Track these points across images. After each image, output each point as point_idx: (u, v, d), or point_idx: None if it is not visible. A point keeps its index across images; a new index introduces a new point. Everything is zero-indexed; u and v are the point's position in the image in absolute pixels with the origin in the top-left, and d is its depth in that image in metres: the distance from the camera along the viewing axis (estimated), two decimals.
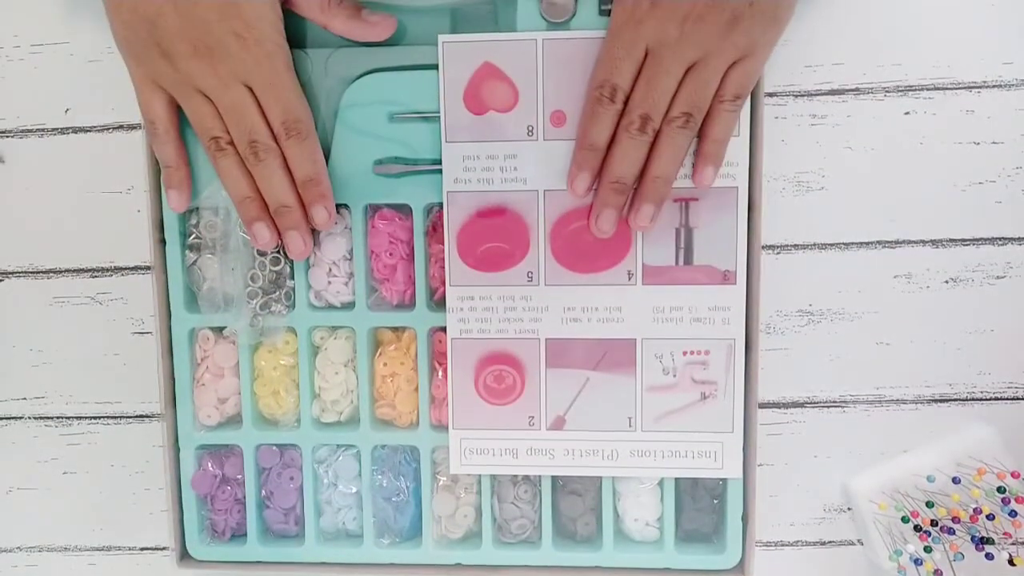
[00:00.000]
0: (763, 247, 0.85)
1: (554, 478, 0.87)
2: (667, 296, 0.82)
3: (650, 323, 0.82)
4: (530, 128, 0.80)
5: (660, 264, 0.81)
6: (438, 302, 0.84)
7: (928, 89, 0.85)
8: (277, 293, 0.85)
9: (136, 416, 0.94)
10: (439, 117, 0.80)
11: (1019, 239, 0.86)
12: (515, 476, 0.87)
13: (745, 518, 0.84)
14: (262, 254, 0.84)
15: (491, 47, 0.79)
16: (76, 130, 0.90)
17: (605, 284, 0.82)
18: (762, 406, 0.88)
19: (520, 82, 0.79)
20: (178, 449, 0.87)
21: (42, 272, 0.92)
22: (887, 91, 0.85)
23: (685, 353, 0.82)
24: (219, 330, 0.87)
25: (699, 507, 0.86)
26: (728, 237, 0.81)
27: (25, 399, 0.95)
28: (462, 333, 0.83)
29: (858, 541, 0.91)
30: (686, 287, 0.81)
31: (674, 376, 0.83)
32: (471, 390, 0.84)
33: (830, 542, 0.91)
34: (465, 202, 0.81)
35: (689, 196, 0.80)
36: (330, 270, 0.84)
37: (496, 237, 0.82)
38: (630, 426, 0.83)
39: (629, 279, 0.82)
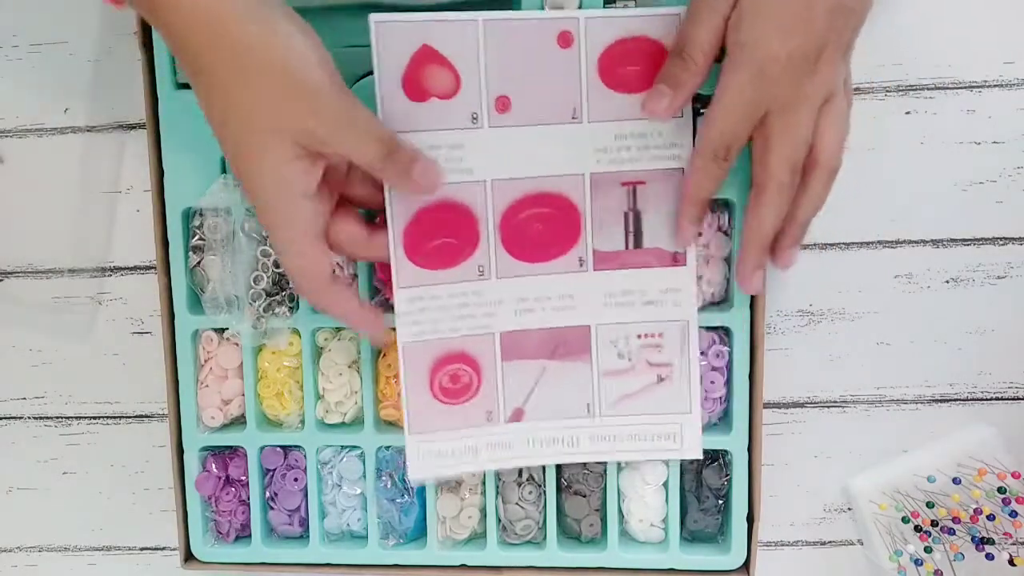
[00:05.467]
0: None
1: (558, 478, 0.86)
2: (618, 281, 0.81)
3: (603, 308, 0.81)
4: (474, 115, 0.77)
5: (610, 249, 0.80)
6: None
7: (928, 89, 0.85)
8: (280, 295, 0.84)
9: (136, 416, 0.94)
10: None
11: (1020, 239, 0.86)
12: (519, 477, 0.87)
13: (751, 519, 0.85)
14: (266, 255, 0.84)
15: (429, 28, 0.75)
16: (76, 130, 0.90)
17: (557, 272, 0.80)
18: (763, 406, 0.88)
19: (461, 66, 0.76)
20: (182, 451, 0.87)
21: (42, 272, 0.92)
22: (887, 91, 0.86)
23: (639, 336, 0.82)
24: (222, 331, 0.87)
25: (704, 508, 0.86)
26: (676, 218, 0.79)
27: (25, 399, 0.94)
28: (413, 337, 0.80)
29: (858, 541, 0.91)
30: (637, 271, 0.80)
31: (629, 360, 0.82)
32: (426, 394, 0.82)
33: (830, 542, 0.92)
34: (409, 198, 0.78)
35: (636, 179, 0.79)
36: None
37: (444, 232, 0.79)
38: (589, 412, 0.83)
39: (580, 266, 0.80)
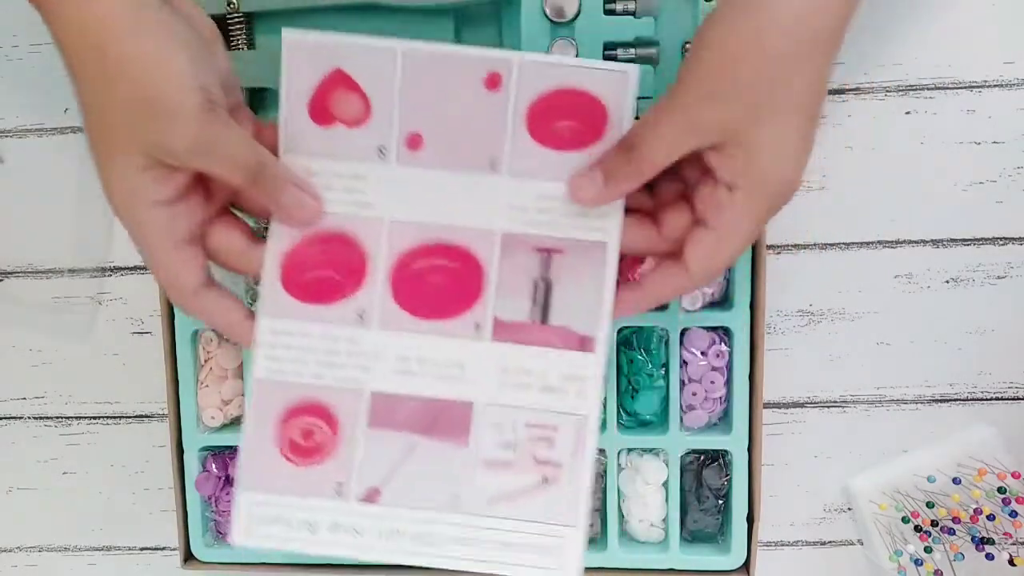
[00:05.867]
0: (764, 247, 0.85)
1: None
2: (516, 357, 0.71)
3: (494, 386, 0.71)
4: (382, 149, 0.70)
5: (513, 320, 0.71)
6: None
7: (928, 89, 0.85)
8: None
9: (136, 416, 0.94)
10: None
11: (1019, 239, 0.86)
12: None
13: (751, 519, 0.85)
14: None
15: (344, 52, 0.69)
16: (76, 130, 0.90)
17: (447, 335, 0.71)
18: (763, 406, 0.88)
19: (374, 96, 0.70)
20: (182, 451, 0.87)
21: (42, 272, 0.92)
22: (887, 91, 0.86)
23: (529, 426, 0.70)
24: None
25: (704, 508, 0.87)
26: (591, 298, 0.70)
27: (25, 399, 0.94)
28: (270, 374, 0.71)
29: (858, 541, 0.91)
30: (539, 349, 0.70)
31: (514, 451, 0.70)
32: (271, 444, 0.71)
33: (830, 542, 0.92)
34: None
35: (553, 246, 0.70)
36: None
37: (328, 265, 0.71)
38: (456, 507, 0.70)
39: (476, 332, 0.71)
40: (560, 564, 0.70)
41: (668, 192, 0.70)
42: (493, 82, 0.69)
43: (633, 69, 0.69)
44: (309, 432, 0.71)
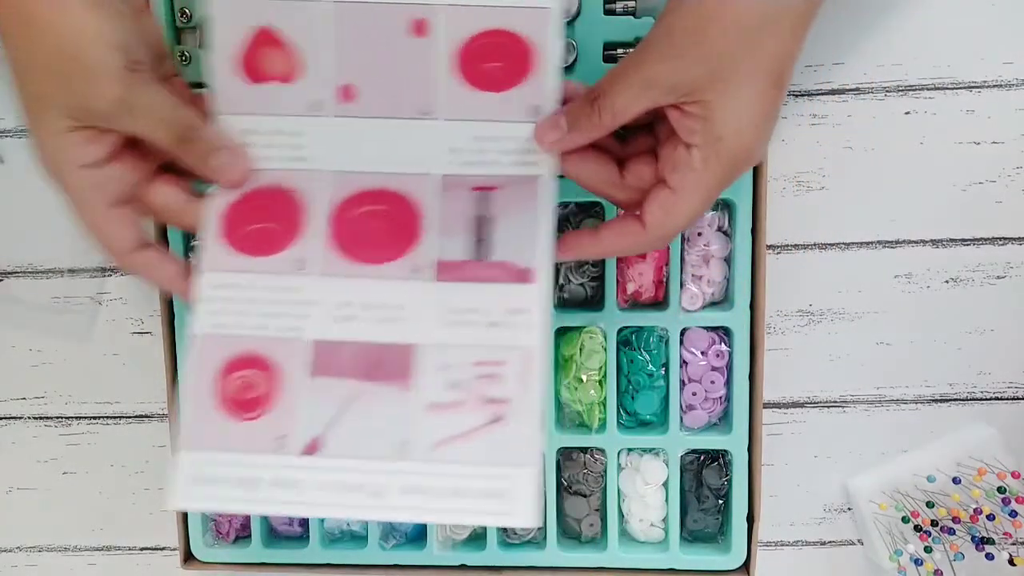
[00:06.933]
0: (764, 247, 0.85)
1: (559, 478, 0.86)
2: (459, 295, 0.69)
3: (437, 326, 0.69)
4: (316, 103, 0.71)
5: (454, 258, 0.70)
6: None
7: (928, 89, 0.85)
8: None
9: (136, 416, 0.94)
10: None
11: (1019, 239, 0.86)
12: None
13: (751, 518, 0.85)
14: None
15: (271, 7, 0.69)
16: None
17: (388, 278, 0.70)
18: (763, 406, 0.88)
19: (304, 50, 0.70)
20: None
21: (42, 272, 0.92)
22: (887, 91, 0.85)
23: (476, 364, 0.68)
24: None
25: (704, 508, 0.87)
26: (529, 231, 0.70)
27: (25, 399, 0.94)
28: (209, 328, 0.69)
29: (858, 541, 0.91)
30: (481, 285, 0.69)
31: (461, 392, 0.68)
32: (209, 400, 0.68)
33: (830, 542, 0.92)
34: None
35: (488, 184, 0.71)
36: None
37: (267, 218, 0.71)
38: (403, 454, 0.67)
39: (416, 274, 0.70)
40: (511, 508, 0.65)
41: (639, 144, 0.71)
42: (420, 28, 0.70)
43: (556, 4, 0.69)
44: (249, 385, 0.68)
